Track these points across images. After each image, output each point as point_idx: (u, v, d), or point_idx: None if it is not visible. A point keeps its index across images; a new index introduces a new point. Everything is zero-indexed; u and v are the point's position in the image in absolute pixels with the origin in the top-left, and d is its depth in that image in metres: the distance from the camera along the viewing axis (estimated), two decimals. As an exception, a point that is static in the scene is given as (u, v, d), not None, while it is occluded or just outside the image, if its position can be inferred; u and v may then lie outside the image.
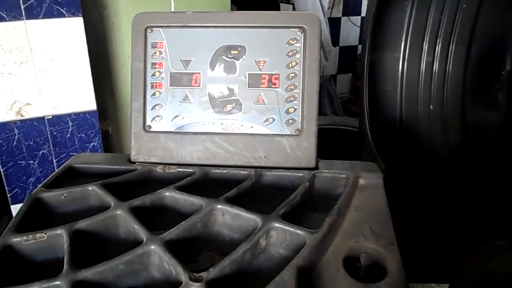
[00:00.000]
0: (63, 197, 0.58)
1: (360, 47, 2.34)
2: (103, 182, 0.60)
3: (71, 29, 0.94)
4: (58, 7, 0.91)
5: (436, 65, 0.81)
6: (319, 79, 0.64)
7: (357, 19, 2.36)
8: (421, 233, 0.91)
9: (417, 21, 0.82)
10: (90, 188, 0.59)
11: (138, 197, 0.57)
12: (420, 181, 0.88)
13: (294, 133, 0.63)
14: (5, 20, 0.88)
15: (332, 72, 2.39)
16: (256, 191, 0.61)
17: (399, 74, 0.84)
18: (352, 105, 2.17)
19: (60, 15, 0.92)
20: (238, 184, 0.60)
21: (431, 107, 0.82)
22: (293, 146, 0.63)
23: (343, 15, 2.35)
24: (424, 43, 0.81)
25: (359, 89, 0.95)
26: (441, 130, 0.82)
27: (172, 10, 1.06)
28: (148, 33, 0.66)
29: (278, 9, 1.88)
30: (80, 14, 0.94)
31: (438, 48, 0.80)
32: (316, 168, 0.63)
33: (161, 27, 0.66)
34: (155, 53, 0.66)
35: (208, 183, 0.62)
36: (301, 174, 0.62)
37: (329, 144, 0.91)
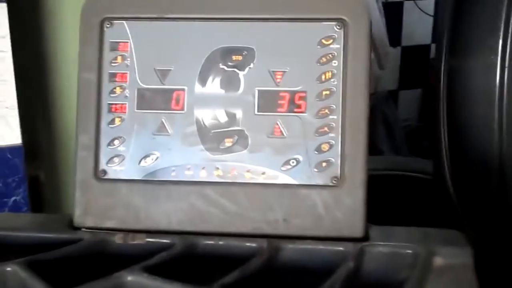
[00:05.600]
0: (-34, 282, 0.58)
1: (434, 47, 2.35)
2: (30, 259, 0.60)
3: (-12, 21, 0.96)
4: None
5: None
6: (369, 98, 0.64)
7: (428, 4, 2.39)
8: None
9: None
10: (9, 268, 0.59)
11: (84, 283, 0.56)
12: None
13: (331, 183, 0.64)
14: None
15: (391, 87, 2.40)
16: (271, 275, 0.60)
17: (496, 89, 0.84)
18: (422, 138, 2.16)
19: (-28, -2, 0.94)
20: (242, 263, 0.59)
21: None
22: (328, 203, 0.63)
23: (407, -3, 2.38)
24: (533, 42, 0.82)
25: (434, 113, 0.95)
26: None
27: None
28: (105, 28, 0.68)
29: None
30: (2, -2, 0.96)
31: (554, 50, 0.80)
32: (366, 238, 0.63)
33: (126, 19, 0.68)
34: (115, 58, 0.68)
35: (195, 262, 0.62)
36: (341, 248, 0.62)
37: (387, 199, 0.90)
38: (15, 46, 0.98)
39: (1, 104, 0.99)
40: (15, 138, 1.01)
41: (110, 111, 0.67)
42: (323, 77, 0.65)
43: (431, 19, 2.39)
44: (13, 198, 1.03)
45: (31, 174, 1.09)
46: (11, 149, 1.01)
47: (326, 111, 0.65)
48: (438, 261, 0.59)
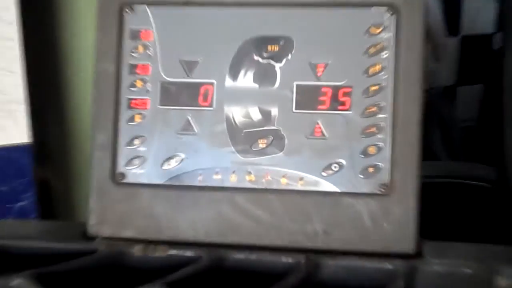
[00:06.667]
0: (-33, 298, 0.57)
1: (498, 37, 2.32)
2: (38, 271, 0.57)
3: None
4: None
5: None
6: (423, 95, 0.61)
7: (492, -11, 2.37)
8: None
9: None
10: (14, 281, 0.55)
11: (99, 301, 0.56)
12: None
13: (378, 192, 0.61)
14: None
15: (447, 83, 2.36)
16: (310, 295, 0.58)
17: None
18: (483, 142, 2.13)
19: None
20: (277, 280, 0.56)
21: None
22: (375, 214, 0.60)
23: (467, -18, 2.36)
24: None
25: (498, 113, 0.93)
26: None
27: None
28: (125, 14, 0.66)
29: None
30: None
31: None
32: (419, 255, 0.60)
33: (148, 3, 0.66)
34: (136, 47, 0.66)
35: (223, 278, 0.60)
36: (390, 266, 0.58)
37: (442, 211, 0.87)
38: (25, 34, 0.99)
39: (7, 98, 0.99)
40: (22, 137, 1.00)
41: (129, 107, 0.65)
42: (371, 70, 0.62)
43: (495, 5, 2.36)
44: (19, 204, 1.02)
45: (40, 177, 1.09)
46: (18, 148, 1.01)
47: (374, 109, 0.62)
48: (500, 282, 0.56)
